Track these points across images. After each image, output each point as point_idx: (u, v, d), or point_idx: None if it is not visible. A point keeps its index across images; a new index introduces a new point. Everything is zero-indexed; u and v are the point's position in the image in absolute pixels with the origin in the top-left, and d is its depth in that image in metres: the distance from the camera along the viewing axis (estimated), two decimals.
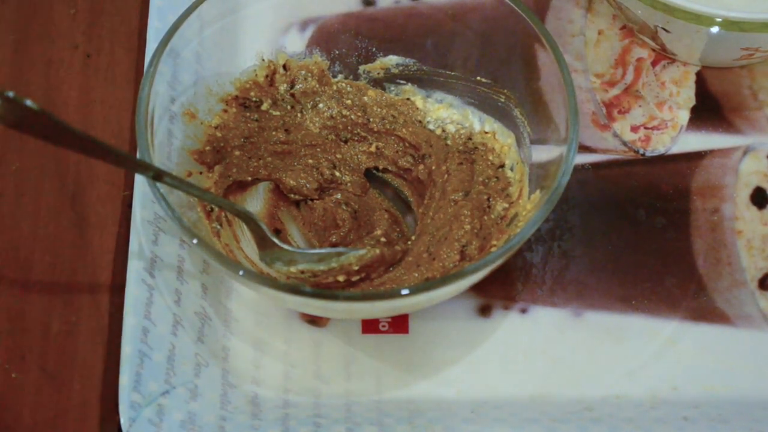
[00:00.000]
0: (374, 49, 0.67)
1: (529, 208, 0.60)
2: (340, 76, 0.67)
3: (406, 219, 0.66)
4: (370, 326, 0.63)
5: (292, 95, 0.66)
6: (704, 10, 0.63)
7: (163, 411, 0.58)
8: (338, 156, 0.66)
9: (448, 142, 0.66)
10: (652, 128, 0.69)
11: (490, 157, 0.64)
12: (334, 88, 0.67)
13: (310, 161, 0.65)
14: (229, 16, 0.63)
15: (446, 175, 0.64)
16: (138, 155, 0.56)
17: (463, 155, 0.64)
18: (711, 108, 0.70)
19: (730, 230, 0.66)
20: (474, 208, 0.62)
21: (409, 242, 0.62)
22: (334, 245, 0.64)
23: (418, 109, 0.67)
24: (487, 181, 0.63)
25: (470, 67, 0.66)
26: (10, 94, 0.46)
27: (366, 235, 0.64)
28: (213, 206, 0.61)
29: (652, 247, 0.65)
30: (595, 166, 0.68)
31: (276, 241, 0.59)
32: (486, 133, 0.65)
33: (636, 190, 0.67)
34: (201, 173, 0.62)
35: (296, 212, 0.65)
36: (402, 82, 0.67)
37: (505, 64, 0.65)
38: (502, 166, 0.64)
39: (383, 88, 0.67)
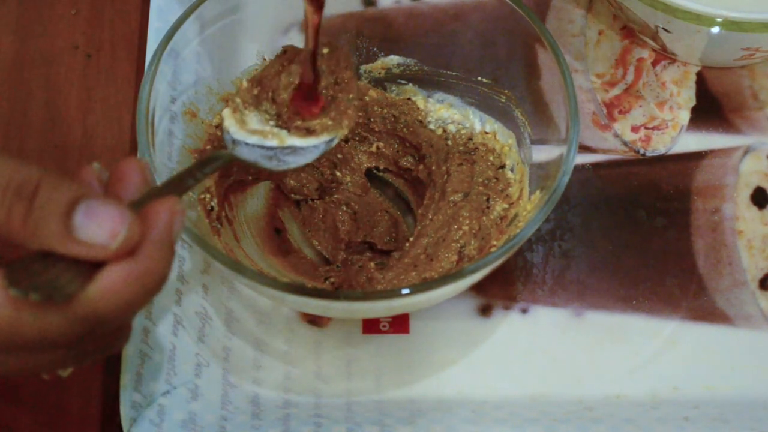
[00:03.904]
0: (375, 49, 0.67)
1: (529, 209, 0.60)
2: None
3: (406, 219, 0.66)
4: (370, 326, 0.63)
5: None
6: (705, 10, 0.63)
7: (163, 411, 0.58)
8: (339, 156, 0.66)
9: (449, 142, 0.66)
10: (653, 128, 0.69)
11: (491, 158, 0.64)
12: None
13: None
14: (229, 16, 0.63)
15: (446, 176, 0.64)
16: (138, 155, 0.56)
17: (464, 156, 0.64)
18: (711, 108, 0.70)
19: (730, 230, 0.66)
20: (473, 209, 0.62)
21: (407, 244, 0.62)
22: (335, 245, 0.64)
23: (419, 109, 0.67)
24: (487, 181, 0.63)
25: (471, 68, 0.66)
26: None
27: (365, 236, 0.64)
28: (213, 205, 0.61)
29: (652, 247, 0.65)
30: (596, 166, 0.68)
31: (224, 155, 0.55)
32: (487, 133, 0.65)
33: (636, 190, 0.67)
34: None
35: (297, 212, 0.65)
36: (403, 82, 0.67)
37: (505, 65, 0.65)
38: (503, 166, 0.64)
39: (384, 88, 0.67)
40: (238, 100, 0.56)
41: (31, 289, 0.41)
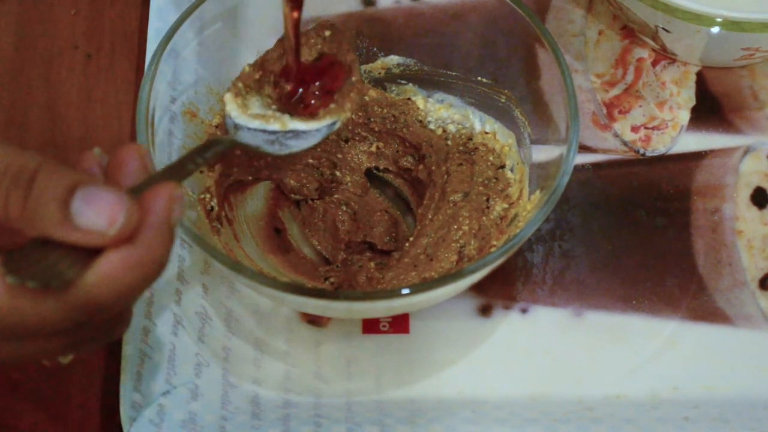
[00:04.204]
0: (375, 49, 0.67)
1: (529, 209, 0.60)
2: None
3: (406, 219, 0.66)
4: (370, 326, 0.62)
5: None
6: (705, 10, 0.63)
7: (163, 411, 0.58)
8: (339, 156, 0.66)
9: (449, 142, 0.66)
10: (653, 128, 0.69)
11: (491, 158, 0.64)
12: None
13: (311, 161, 0.65)
14: (229, 16, 0.63)
15: (446, 176, 0.64)
16: None
17: (464, 156, 0.64)
18: (711, 108, 0.70)
19: (730, 230, 0.66)
20: (473, 209, 0.62)
21: (407, 244, 0.62)
22: (335, 245, 0.64)
23: (419, 109, 0.67)
24: (487, 181, 0.63)
25: (471, 68, 0.66)
26: None
27: (365, 236, 0.64)
28: (213, 205, 0.61)
29: (652, 247, 0.65)
30: (596, 166, 0.68)
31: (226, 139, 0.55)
32: (486, 133, 0.65)
33: (636, 190, 0.67)
34: (201, 172, 0.62)
35: (297, 212, 0.65)
36: (403, 82, 0.67)
37: (505, 65, 0.65)
38: (503, 166, 0.64)
39: (384, 88, 0.67)
40: (240, 84, 0.56)
41: (29, 276, 0.41)
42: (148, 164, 0.46)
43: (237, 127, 0.55)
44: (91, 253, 0.42)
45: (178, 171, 0.48)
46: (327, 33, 0.56)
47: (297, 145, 0.55)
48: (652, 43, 0.71)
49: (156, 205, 0.43)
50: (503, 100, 0.65)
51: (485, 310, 0.63)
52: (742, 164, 0.68)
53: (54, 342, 0.45)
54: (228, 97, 0.56)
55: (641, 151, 0.68)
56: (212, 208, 0.61)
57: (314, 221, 0.65)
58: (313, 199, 0.65)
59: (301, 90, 0.56)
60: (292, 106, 0.56)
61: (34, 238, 0.42)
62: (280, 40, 0.57)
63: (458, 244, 0.61)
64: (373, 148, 0.66)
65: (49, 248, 0.42)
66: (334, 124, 0.55)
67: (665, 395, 0.61)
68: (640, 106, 0.70)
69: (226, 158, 0.63)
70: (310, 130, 0.55)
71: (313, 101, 0.56)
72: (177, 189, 0.44)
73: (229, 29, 0.64)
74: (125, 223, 0.42)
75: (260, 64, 0.57)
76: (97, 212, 0.41)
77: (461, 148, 0.65)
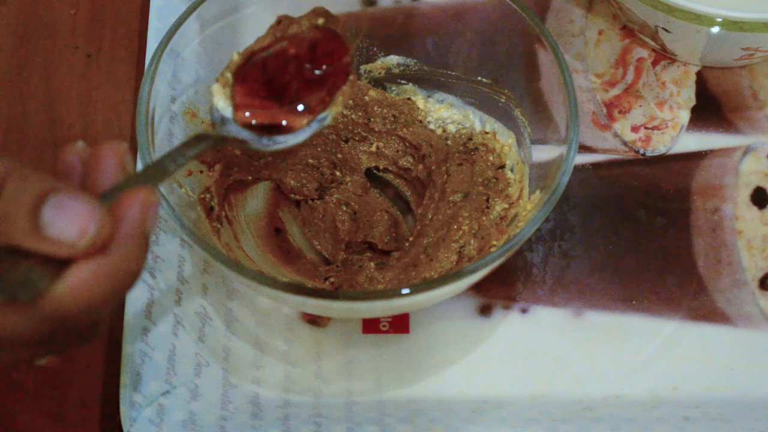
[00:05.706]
0: (375, 49, 0.67)
1: (529, 209, 0.60)
2: None
3: (406, 219, 0.66)
4: (370, 326, 0.63)
5: None
6: (705, 10, 0.63)
7: (163, 411, 0.58)
8: (339, 156, 0.66)
9: (449, 142, 0.66)
10: (653, 128, 0.69)
11: (491, 158, 0.64)
12: None
13: (311, 161, 0.65)
14: (229, 16, 0.63)
15: (446, 176, 0.64)
16: (138, 155, 0.56)
17: (464, 156, 0.64)
18: (711, 108, 0.70)
19: (730, 230, 0.66)
20: (473, 209, 0.62)
21: (407, 244, 0.62)
22: (335, 245, 0.64)
23: (419, 109, 0.67)
24: (486, 181, 0.63)
25: (471, 68, 0.66)
26: None
27: (365, 236, 0.64)
28: (213, 205, 0.61)
29: (652, 247, 0.65)
30: (596, 166, 0.68)
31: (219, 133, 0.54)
32: (486, 133, 0.65)
33: (636, 190, 0.67)
34: (201, 172, 0.62)
35: (297, 212, 0.65)
36: (403, 82, 0.67)
37: (505, 65, 0.65)
38: (503, 166, 0.64)
39: (384, 88, 0.67)
40: (228, 74, 0.54)
41: None
42: (126, 164, 0.44)
43: (224, 120, 0.52)
44: (62, 262, 0.41)
45: (157, 172, 0.46)
46: (320, 21, 0.55)
47: (285, 141, 0.52)
48: (652, 43, 0.71)
49: (129, 213, 0.42)
50: (503, 100, 0.65)
51: (485, 310, 0.63)
52: (742, 164, 0.68)
53: (23, 351, 0.43)
54: (215, 89, 0.53)
55: (641, 151, 0.68)
56: (212, 208, 0.61)
57: (314, 221, 0.65)
58: (313, 199, 0.65)
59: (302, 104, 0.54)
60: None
61: (2, 246, 0.40)
62: (272, 27, 0.55)
63: (458, 244, 0.61)
64: (373, 148, 0.66)
65: (18, 258, 0.40)
66: (324, 118, 0.53)
67: (665, 395, 0.61)
68: (640, 106, 0.70)
69: (224, 158, 0.63)
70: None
71: (310, 104, 0.54)
72: (152, 195, 0.42)
73: (229, 29, 0.64)
74: (96, 234, 0.40)
75: (249, 52, 0.55)
76: (68, 222, 0.40)
77: (461, 148, 0.65)
